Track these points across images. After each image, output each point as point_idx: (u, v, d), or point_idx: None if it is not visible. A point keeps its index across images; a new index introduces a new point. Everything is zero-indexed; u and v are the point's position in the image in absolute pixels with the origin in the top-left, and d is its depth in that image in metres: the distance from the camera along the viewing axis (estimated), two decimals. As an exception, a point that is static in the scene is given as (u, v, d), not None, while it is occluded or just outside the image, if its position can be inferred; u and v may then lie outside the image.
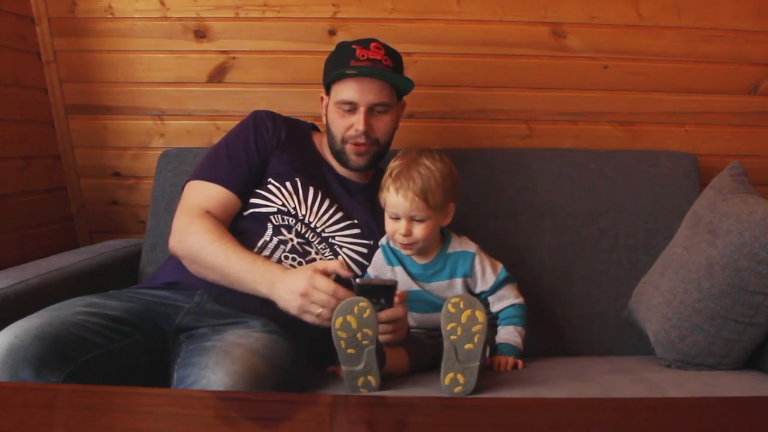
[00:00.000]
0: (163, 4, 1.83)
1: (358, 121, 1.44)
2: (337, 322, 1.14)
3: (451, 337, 1.14)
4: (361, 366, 1.16)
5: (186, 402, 0.93)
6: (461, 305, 1.14)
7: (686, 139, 1.88)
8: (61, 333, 1.10)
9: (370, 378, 1.17)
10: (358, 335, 1.14)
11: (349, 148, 1.47)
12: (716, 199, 1.41)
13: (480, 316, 1.14)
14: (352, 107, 1.44)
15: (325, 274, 1.22)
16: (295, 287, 1.21)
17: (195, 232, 1.34)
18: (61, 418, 0.87)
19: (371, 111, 1.45)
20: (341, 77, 1.44)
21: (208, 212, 1.39)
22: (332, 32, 1.83)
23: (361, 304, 1.14)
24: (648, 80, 1.85)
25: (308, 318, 1.22)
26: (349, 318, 1.14)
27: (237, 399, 0.98)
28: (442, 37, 1.83)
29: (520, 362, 1.36)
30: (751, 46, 1.82)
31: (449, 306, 1.14)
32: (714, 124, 1.88)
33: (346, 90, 1.43)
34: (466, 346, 1.14)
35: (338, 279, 1.43)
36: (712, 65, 1.84)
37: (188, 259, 1.36)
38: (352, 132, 1.45)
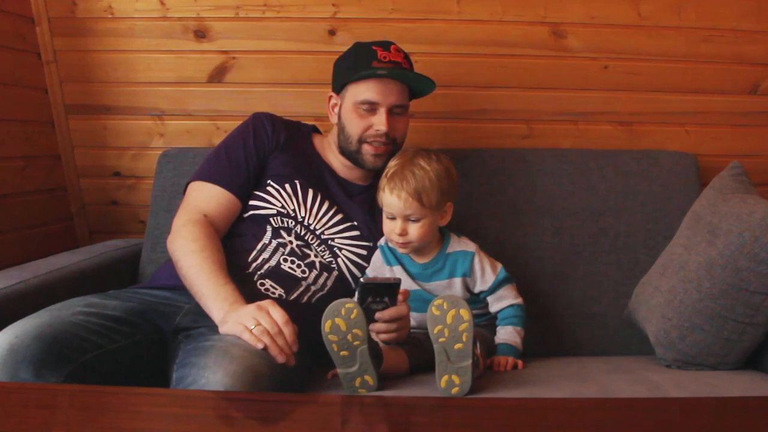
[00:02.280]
0: (163, 4, 1.83)
1: (379, 121, 1.43)
2: (326, 326, 1.14)
3: (440, 340, 1.14)
4: (356, 367, 1.16)
5: (186, 402, 0.93)
6: (445, 306, 1.14)
7: (686, 139, 1.88)
8: (61, 333, 1.10)
9: (367, 378, 1.17)
10: (349, 336, 1.14)
11: (366, 148, 1.46)
12: (716, 199, 1.41)
13: (465, 314, 1.13)
14: (371, 107, 1.44)
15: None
16: (253, 305, 1.17)
17: (183, 237, 1.33)
18: (61, 418, 0.87)
19: (390, 112, 1.45)
20: (368, 77, 1.43)
21: (205, 216, 1.38)
22: (332, 32, 1.83)
23: (347, 306, 1.14)
24: (648, 80, 1.85)
25: (239, 329, 1.14)
26: (337, 321, 1.13)
27: (237, 399, 0.98)
28: (442, 37, 1.83)
29: (519, 362, 1.37)
30: (751, 46, 1.82)
31: (433, 309, 1.14)
32: (714, 124, 1.88)
33: (368, 91, 1.43)
34: (456, 346, 1.14)
35: (345, 281, 1.43)
36: (712, 65, 1.84)
37: (173, 260, 1.36)
38: (372, 132, 1.45)
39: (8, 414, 0.84)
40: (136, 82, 1.87)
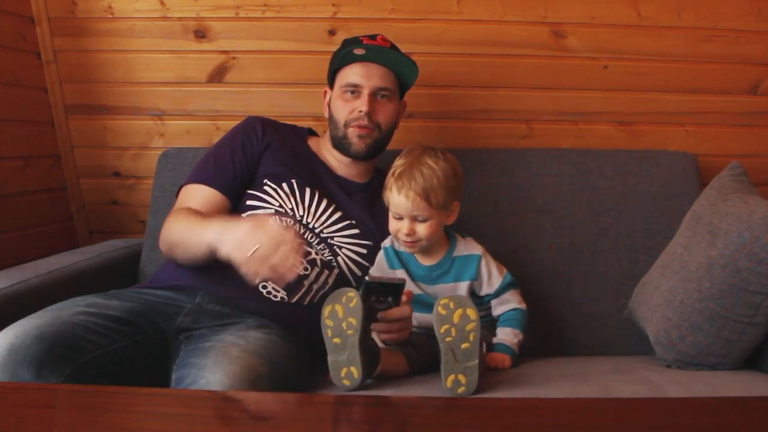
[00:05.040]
0: (163, 4, 1.83)
1: (361, 103, 1.46)
2: (326, 311, 1.16)
3: (447, 339, 1.14)
4: (344, 356, 1.17)
5: (186, 402, 0.93)
6: (451, 306, 1.14)
7: (686, 139, 1.88)
8: (62, 333, 1.10)
9: (352, 369, 1.17)
10: (344, 324, 1.15)
11: (351, 131, 1.48)
12: (716, 199, 1.41)
13: (472, 313, 1.13)
14: (356, 90, 1.47)
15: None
16: (249, 224, 1.15)
17: (165, 229, 1.37)
18: (61, 418, 0.87)
19: (375, 96, 1.47)
20: (349, 58, 1.47)
21: (189, 209, 1.40)
22: (332, 32, 1.83)
23: (349, 294, 1.15)
24: (648, 80, 1.85)
25: (240, 257, 1.13)
26: (337, 307, 1.15)
27: (237, 399, 0.98)
28: (442, 37, 1.83)
29: (507, 360, 1.35)
30: (751, 46, 1.82)
31: (439, 308, 1.14)
32: (714, 124, 1.88)
33: (352, 74, 1.47)
34: (463, 346, 1.14)
35: (346, 279, 1.43)
36: (712, 65, 1.84)
37: (166, 247, 1.37)
38: (355, 114, 1.47)
39: (8, 414, 0.84)
40: (136, 82, 1.87)
